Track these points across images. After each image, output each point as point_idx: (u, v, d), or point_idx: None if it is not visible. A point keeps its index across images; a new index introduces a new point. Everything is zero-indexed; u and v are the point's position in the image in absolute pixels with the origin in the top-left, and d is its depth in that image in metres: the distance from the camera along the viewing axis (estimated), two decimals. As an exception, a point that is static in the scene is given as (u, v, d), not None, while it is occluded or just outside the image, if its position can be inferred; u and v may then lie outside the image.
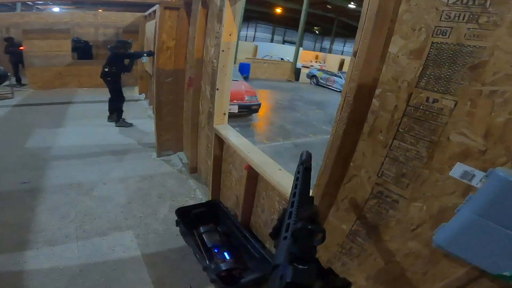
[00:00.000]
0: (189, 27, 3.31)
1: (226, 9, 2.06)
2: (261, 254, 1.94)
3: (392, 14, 0.95)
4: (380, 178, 1.09)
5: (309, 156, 0.62)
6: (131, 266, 2.04)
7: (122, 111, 5.00)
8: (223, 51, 2.25)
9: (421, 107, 0.92)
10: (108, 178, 3.25)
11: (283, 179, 1.70)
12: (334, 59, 25.95)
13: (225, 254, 1.94)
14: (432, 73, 0.88)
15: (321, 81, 15.37)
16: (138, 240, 2.32)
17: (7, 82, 6.19)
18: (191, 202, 2.93)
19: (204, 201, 2.78)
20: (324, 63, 25.59)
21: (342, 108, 1.12)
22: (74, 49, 7.80)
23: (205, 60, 2.87)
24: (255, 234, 2.15)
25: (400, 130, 1.00)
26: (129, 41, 4.95)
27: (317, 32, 34.88)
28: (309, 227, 0.42)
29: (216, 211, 2.53)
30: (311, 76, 16.17)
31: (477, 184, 0.81)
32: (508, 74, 0.72)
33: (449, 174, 0.87)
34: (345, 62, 24.70)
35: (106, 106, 5.22)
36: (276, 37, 35.49)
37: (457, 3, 0.79)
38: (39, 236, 2.22)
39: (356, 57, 1.02)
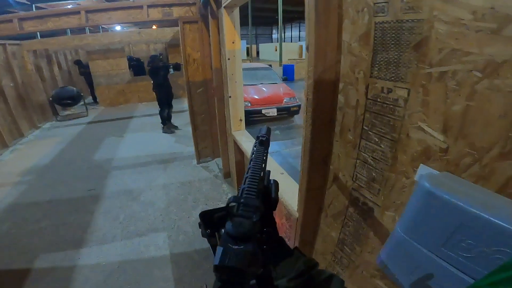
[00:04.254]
0: (210, 38, 3.44)
1: (224, 18, 2.10)
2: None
3: (338, -2, 0.84)
4: (355, 183, 0.96)
5: (267, 130, 0.55)
6: (159, 264, 2.25)
7: (164, 119, 5.64)
8: (229, 59, 2.29)
9: (378, 100, 0.79)
10: (154, 184, 3.63)
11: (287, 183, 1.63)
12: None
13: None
14: (382, 59, 0.74)
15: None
16: (169, 241, 2.53)
17: (81, 102, 7.35)
18: (222, 206, 3.05)
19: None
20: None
21: (306, 108, 1.03)
22: (129, 66, 8.66)
23: (223, 69, 2.95)
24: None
25: (365, 127, 0.86)
26: (159, 55, 5.40)
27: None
28: (241, 200, 0.36)
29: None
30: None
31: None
32: (454, 49, 0.56)
33: (415, 178, 0.72)
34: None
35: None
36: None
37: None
38: (93, 236, 2.64)
39: (308, 51, 0.93)
